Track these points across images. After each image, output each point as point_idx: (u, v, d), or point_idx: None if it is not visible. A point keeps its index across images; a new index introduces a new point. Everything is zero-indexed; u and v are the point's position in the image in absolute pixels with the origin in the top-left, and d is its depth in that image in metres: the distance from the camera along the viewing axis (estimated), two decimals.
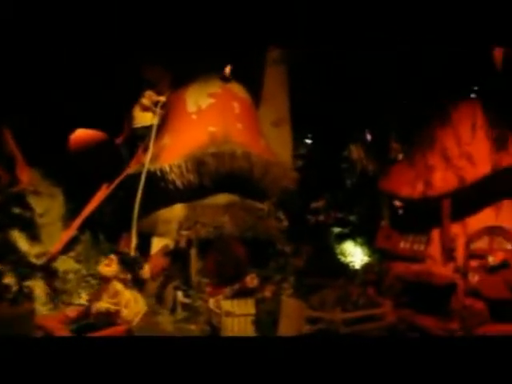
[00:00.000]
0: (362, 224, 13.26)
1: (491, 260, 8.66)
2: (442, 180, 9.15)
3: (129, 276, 6.43)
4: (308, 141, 16.69)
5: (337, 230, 13.69)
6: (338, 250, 13.08)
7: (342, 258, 12.69)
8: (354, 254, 12.66)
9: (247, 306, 7.26)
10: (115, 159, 10.17)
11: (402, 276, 9.55)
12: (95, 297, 6.23)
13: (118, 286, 6.17)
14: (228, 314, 7.10)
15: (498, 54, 9.08)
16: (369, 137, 14.38)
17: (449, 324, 8.44)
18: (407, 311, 8.90)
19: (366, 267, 11.10)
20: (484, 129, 9.51)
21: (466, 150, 9.37)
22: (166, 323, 6.71)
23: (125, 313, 5.96)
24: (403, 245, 10.10)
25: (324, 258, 11.23)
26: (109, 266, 6.14)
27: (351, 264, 12.17)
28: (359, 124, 13.92)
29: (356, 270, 11.33)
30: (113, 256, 6.30)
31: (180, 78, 9.72)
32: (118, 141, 10.42)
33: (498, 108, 9.75)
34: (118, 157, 10.20)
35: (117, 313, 5.96)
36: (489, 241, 9.24)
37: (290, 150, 9.79)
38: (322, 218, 14.78)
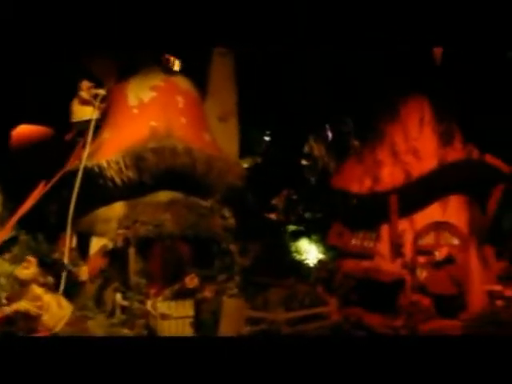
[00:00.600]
0: (319, 221, 13.12)
1: (437, 255, 8.62)
2: (390, 175, 9.07)
3: (50, 279, 6.01)
4: (267, 137, 16.55)
5: (292, 227, 13.54)
6: (292, 248, 12.91)
7: (297, 256, 12.52)
8: (309, 252, 12.52)
9: (185, 308, 6.96)
10: (61, 156, 9.67)
11: (351, 273, 9.44)
12: (13, 301, 5.78)
13: (38, 289, 5.75)
14: (164, 316, 6.78)
15: (438, 51, 9.08)
16: (330, 134, 14.30)
17: (396, 321, 8.35)
18: (355, 309, 8.81)
19: (319, 265, 10.98)
20: (431, 124, 9.49)
21: (413, 145, 9.32)
22: (97, 328, 6.32)
23: (46, 318, 5.56)
24: (354, 241, 10.01)
25: (276, 256, 11.01)
26: (27, 269, 5.71)
27: (305, 262, 12.03)
28: (320, 120, 13.82)
29: (309, 268, 11.21)
30: (31, 258, 5.86)
31: (123, 71, 9.30)
32: (68, 137, 9.90)
33: (445, 103, 9.75)
34: (65, 153, 9.69)
35: (38, 318, 5.54)
36: (435, 236, 9.23)
37: (237, 144, 9.52)
38: (279, 215, 14.66)
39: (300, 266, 11.46)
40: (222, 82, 9.59)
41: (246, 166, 15.64)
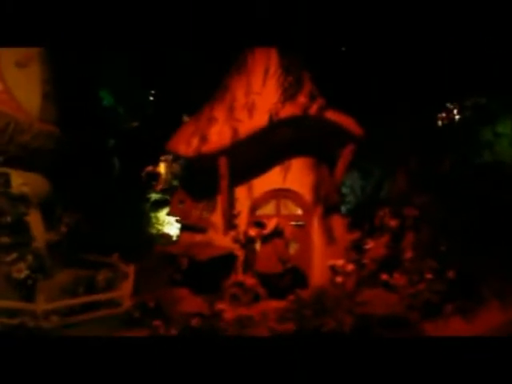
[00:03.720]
0: None
1: (265, 228, 7.43)
2: (217, 134, 7.69)
3: None
4: (151, 98, 15.02)
5: (155, 196, 12.16)
6: (152, 219, 11.55)
7: (153, 229, 11.19)
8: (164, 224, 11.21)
9: None
10: None
11: (182, 249, 8.11)
12: None
13: None
14: None
15: None
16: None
17: (219, 304, 7.11)
18: (181, 291, 7.55)
19: (162, 239, 9.68)
20: (276, 75, 8.13)
21: (252, 100, 7.96)
22: None
23: None
24: (194, 212, 8.66)
25: (111, 229, 9.53)
26: None
27: (152, 235, 10.67)
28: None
29: (148, 243, 9.81)
30: None
31: None
32: None
33: (295, 52, 8.41)
34: None
35: None
36: (276, 205, 8.05)
37: (40, 96, 7.77)
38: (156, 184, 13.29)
39: (142, 240, 10.03)
40: None
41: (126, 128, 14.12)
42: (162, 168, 14.11)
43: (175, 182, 12.27)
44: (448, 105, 13.94)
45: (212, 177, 8.26)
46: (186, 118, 9.96)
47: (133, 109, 14.28)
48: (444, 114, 14.05)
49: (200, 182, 8.72)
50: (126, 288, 6.54)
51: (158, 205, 11.86)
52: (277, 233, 7.25)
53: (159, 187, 13.23)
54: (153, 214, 11.58)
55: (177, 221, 9.04)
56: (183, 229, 8.82)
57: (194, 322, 5.94)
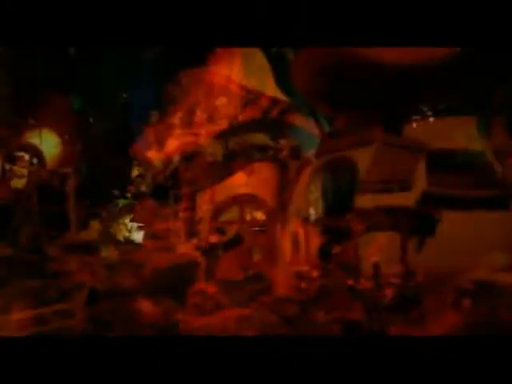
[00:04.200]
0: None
1: (226, 235, 7.29)
2: (178, 138, 7.54)
3: None
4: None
5: (124, 201, 11.90)
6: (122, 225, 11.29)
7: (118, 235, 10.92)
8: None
9: None
10: None
11: (144, 256, 7.93)
12: None
13: None
14: None
15: None
16: None
17: (178, 313, 6.93)
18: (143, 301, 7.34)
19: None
20: (238, 79, 8.00)
21: (213, 105, 7.83)
22: None
23: None
24: (158, 218, 8.50)
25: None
26: None
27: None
28: None
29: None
30: None
31: None
32: None
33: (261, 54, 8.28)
34: None
35: None
36: (240, 211, 7.91)
37: None
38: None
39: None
40: None
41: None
42: (135, 172, 13.86)
43: (143, 187, 12.01)
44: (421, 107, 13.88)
45: (175, 182, 8.11)
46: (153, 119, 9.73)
47: (104, 112, 14.01)
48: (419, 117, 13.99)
49: (164, 188, 8.55)
50: (79, 299, 6.30)
51: (126, 210, 11.59)
52: (238, 239, 7.09)
53: (131, 192, 12.97)
54: (121, 220, 11.32)
55: (140, 227, 8.85)
56: (147, 236, 8.64)
57: (149, 332, 5.75)
